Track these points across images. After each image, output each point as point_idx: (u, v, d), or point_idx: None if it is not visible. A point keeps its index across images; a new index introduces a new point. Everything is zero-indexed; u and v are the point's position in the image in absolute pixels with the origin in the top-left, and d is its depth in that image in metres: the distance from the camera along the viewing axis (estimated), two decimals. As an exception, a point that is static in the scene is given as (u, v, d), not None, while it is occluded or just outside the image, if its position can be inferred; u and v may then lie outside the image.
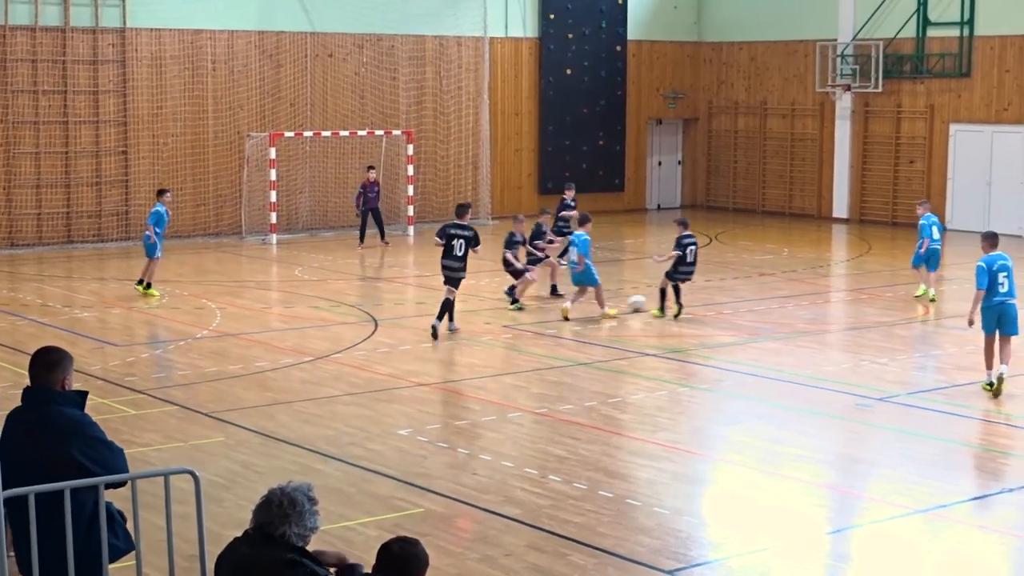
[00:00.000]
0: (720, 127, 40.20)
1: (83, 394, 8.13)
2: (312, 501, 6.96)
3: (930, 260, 23.34)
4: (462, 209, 20.84)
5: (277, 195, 31.65)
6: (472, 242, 20.17)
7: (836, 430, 15.43)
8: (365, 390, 16.67)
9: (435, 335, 19.77)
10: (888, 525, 11.84)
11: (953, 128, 34.68)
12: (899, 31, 35.10)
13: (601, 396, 16.39)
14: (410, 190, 33.50)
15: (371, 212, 30.97)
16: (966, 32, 34.09)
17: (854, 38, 35.95)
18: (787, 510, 12.31)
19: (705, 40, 40.17)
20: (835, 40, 36.38)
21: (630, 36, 38.66)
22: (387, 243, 31.10)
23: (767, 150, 38.93)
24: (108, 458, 7.90)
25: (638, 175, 39.62)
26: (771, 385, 17.23)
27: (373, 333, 20.39)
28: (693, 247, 21.94)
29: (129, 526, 8.19)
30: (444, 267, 20.35)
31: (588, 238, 21.85)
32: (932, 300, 23.15)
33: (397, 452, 13.84)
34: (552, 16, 37.14)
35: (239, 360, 18.45)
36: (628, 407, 16.06)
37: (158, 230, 23.59)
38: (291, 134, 32.42)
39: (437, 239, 20.49)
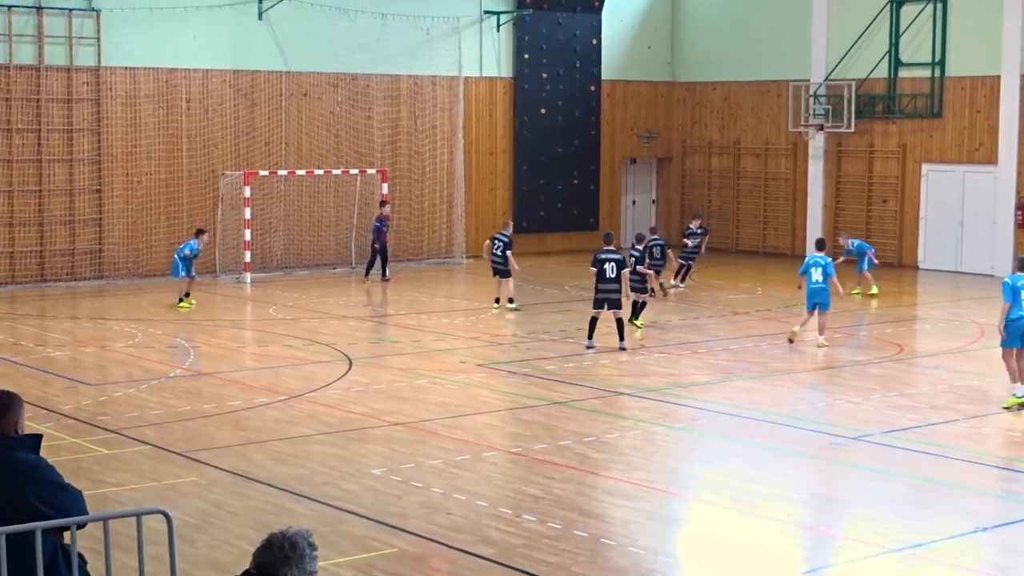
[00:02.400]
0: (694, 166, 40.36)
1: (37, 437, 7.95)
2: (312, 546, 7.01)
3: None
4: (609, 236, 23.29)
5: (251, 234, 31.62)
6: (621, 264, 22.23)
7: (811, 469, 15.43)
8: (339, 429, 16.61)
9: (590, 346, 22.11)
10: (863, 564, 11.83)
11: (925, 168, 34.89)
12: (871, 71, 35.34)
13: (575, 435, 16.37)
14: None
15: (380, 247, 31.33)
16: (937, 73, 34.34)
17: (826, 78, 36.19)
18: (762, 549, 12.29)
19: (679, 80, 40.37)
20: (808, 80, 36.61)
21: (604, 76, 38.84)
22: (388, 279, 31.22)
23: (740, 189, 39.10)
24: (66, 502, 7.76)
25: (612, 214, 39.71)
26: (745, 424, 17.23)
27: (347, 372, 20.34)
28: (658, 247, 25.29)
29: (100, 567, 8.10)
30: (601, 291, 22.20)
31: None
32: (866, 294, 28.72)
33: (371, 492, 13.78)
34: (527, 56, 37.29)
35: (213, 399, 18.37)
36: (603, 446, 16.04)
37: (186, 253, 26.99)
38: (266, 173, 32.42)
39: (592, 268, 22.47)
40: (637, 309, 24.59)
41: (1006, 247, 32.86)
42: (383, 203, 32.27)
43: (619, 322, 22.24)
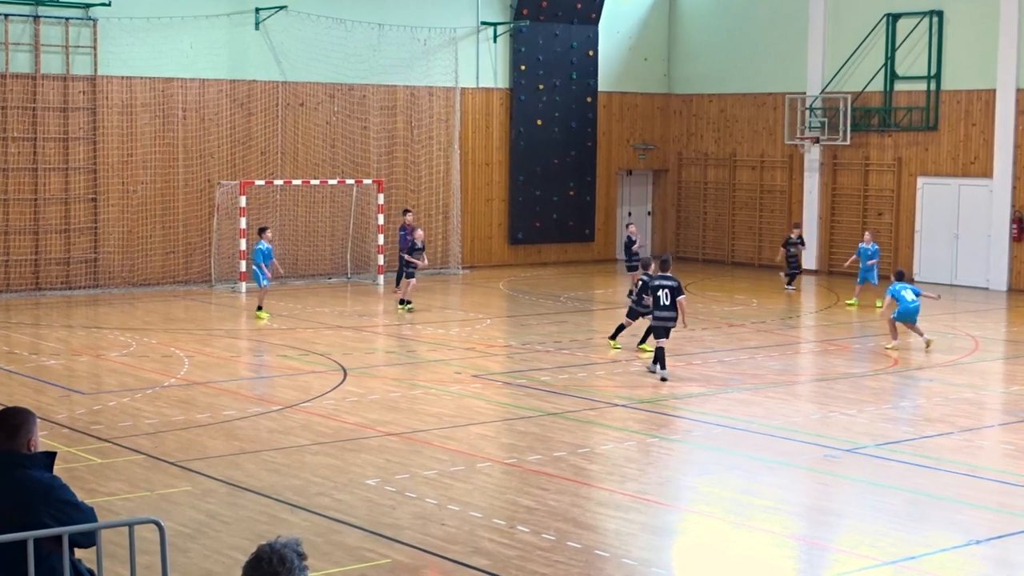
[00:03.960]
0: (690, 178, 40.39)
1: (51, 455, 7.90)
2: (301, 557, 6.95)
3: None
4: (665, 264, 21.70)
5: (247, 243, 31.61)
6: (676, 291, 20.93)
7: (805, 481, 15.42)
8: (333, 440, 16.59)
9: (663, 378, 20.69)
10: (857, 577, 11.83)
11: (921, 181, 34.94)
12: (867, 85, 35.39)
13: (570, 446, 16.35)
14: (380, 239, 33.49)
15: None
16: (933, 86, 34.39)
17: (823, 91, 36.24)
18: (756, 561, 12.28)
19: (675, 92, 40.41)
20: (804, 93, 36.66)
21: (600, 87, 38.87)
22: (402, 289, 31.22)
23: (736, 201, 39.13)
24: (79, 521, 7.75)
25: (608, 226, 39.73)
26: (740, 436, 17.22)
27: (342, 382, 20.32)
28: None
29: (93, 576, 8.09)
30: (655, 318, 21.14)
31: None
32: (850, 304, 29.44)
33: (365, 502, 13.76)
34: (523, 67, 37.32)
35: (207, 409, 18.35)
36: (597, 457, 16.03)
37: (262, 263, 27.28)
38: (262, 182, 32.42)
39: (644, 296, 21.91)
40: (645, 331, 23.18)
41: (1001, 260, 32.90)
42: (406, 211, 31.69)
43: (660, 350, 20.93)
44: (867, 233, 31.36)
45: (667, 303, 20.87)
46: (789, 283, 32.87)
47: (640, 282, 23.04)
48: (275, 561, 6.85)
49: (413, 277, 28.34)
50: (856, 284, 30.30)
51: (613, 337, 23.73)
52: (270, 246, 27.80)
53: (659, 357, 20.88)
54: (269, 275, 27.63)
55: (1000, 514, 13.89)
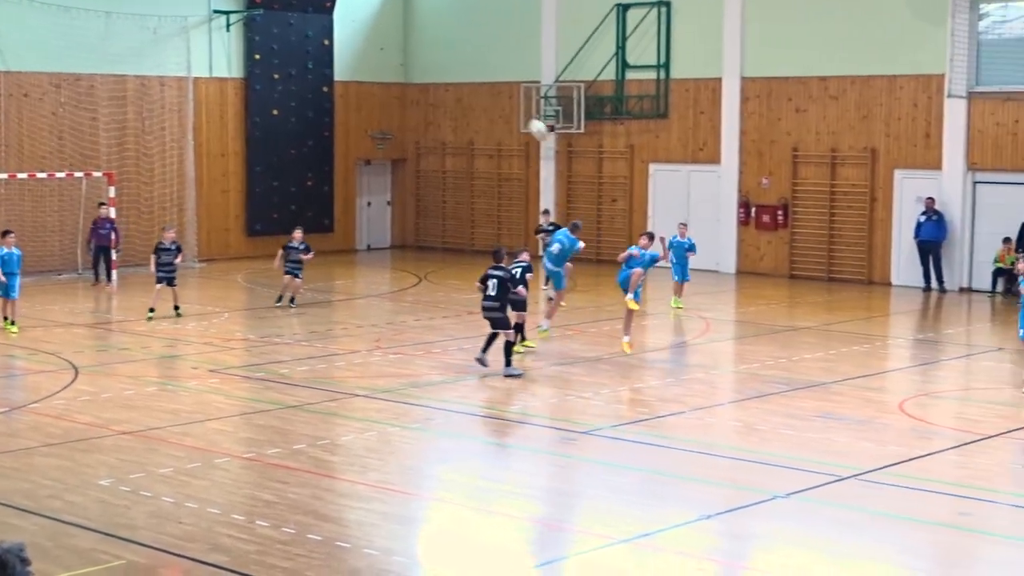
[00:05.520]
0: (428, 167, 40.53)
1: None
2: (24, 562, 6.67)
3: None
4: (497, 255, 21.08)
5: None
6: (509, 281, 20.53)
7: (544, 464, 15.64)
8: (64, 440, 16.08)
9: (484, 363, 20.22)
10: (595, 555, 12.04)
11: (652, 168, 35.82)
12: (599, 74, 36.07)
13: (310, 439, 16.21)
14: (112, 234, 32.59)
15: (101, 251, 30.79)
16: (662, 75, 35.28)
17: (556, 80, 36.79)
18: (498, 546, 12.39)
19: (412, 81, 40.47)
20: (538, 82, 37.15)
21: (337, 77, 38.65)
22: (111, 284, 30.60)
23: (475, 190, 39.43)
24: None
25: (347, 216, 39.55)
26: (479, 422, 17.38)
27: (73, 381, 19.71)
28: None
29: None
30: (482, 308, 20.66)
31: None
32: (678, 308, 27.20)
33: (98, 503, 13.37)
34: (258, 56, 36.82)
35: (-72, 413, 17.58)
36: (338, 449, 15.94)
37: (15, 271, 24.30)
38: (-15, 176, 31.20)
39: (478, 284, 20.92)
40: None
41: (730, 244, 33.97)
42: (101, 204, 31.52)
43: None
44: (681, 225, 28.78)
45: (493, 293, 20.37)
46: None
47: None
48: (-5, 566, 6.59)
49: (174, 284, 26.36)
50: (674, 281, 27.98)
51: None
52: (19, 251, 25.10)
53: (489, 343, 20.41)
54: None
55: (731, 489, 14.35)
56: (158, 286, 25.87)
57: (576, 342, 23.70)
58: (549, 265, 23.34)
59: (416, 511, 13.83)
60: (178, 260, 26.43)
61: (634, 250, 22.03)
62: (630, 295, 21.49)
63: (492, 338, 20.54)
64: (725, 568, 12.09)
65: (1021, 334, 19.98)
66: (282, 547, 11.94)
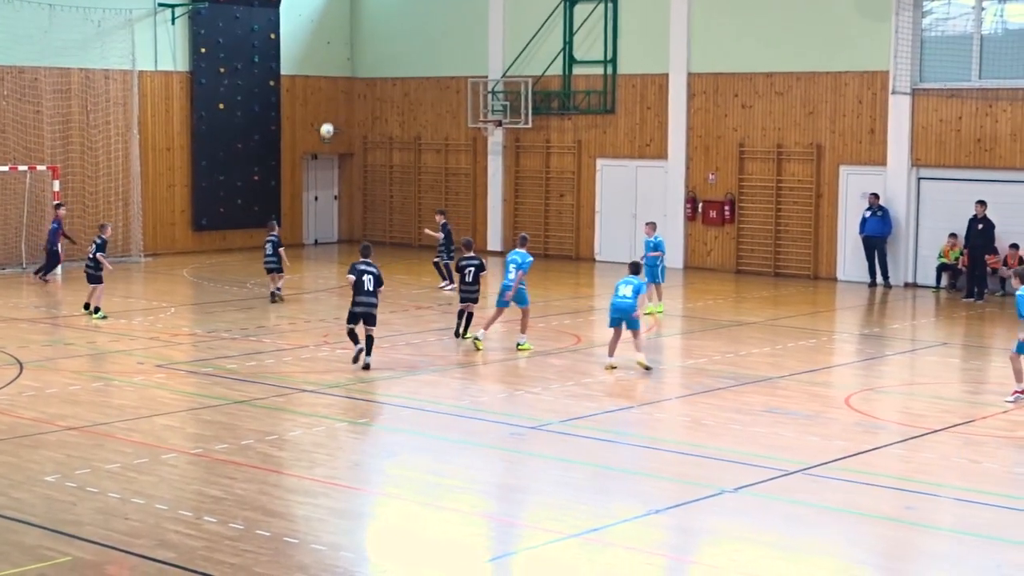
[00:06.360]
0: (375, 162, 40.43)
1: None
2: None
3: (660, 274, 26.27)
4: (366, 250, 21.19)
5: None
6: (379, 280, 20.62)
7: (493, 460, 15.64)
8: (8, 436, 15.93)
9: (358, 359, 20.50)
10: (545, 550, 12.06)
11: (600, 163, 35.88)
12: (547, 69, 36.10)
13: (258, 434, 16.15)
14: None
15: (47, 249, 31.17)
16: (610, 70, 35.34)
17: (504, 75, 36.78)
18: (447, 541, 12.38)
19: (359, 76, 40.35)
20: (486, 77, 37.13)
21: (283, 71, 38.46)
22: (46, 280, 30.49)
23: (422, 184, 39.37)
24: None
25: (295, 210, 39.39)
26: (429, 417, 17.36)
27: (18, 376, 19.53)
28: (471, 269, 22.72)
29: None
30: (356, 302, 20.46)
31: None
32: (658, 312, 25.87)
33: (44, 499, 13.27)
34: (203, 50, 36.59)
35: None
36: (285, 444, 15.88)
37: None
38: (-74, 170, 30.85)
39: (349, 276, 20.77)
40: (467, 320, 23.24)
41: (677, 238, 34.07)
42: (58, 205, 31.53)
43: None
44: (647, 224, 27.21)
45: (370, 288, 20.48)
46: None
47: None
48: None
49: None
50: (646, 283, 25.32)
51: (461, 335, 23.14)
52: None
53: (352, 336, 20.60)
54: None
55: (678, 483, 14.42)
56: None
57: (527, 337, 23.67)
58: (510, 283, 22.62)
59: (364, 506, 13.81)
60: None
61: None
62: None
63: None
64: (674, 562, 12.14)
65: (1017, 347, 18.31)
66: (230, 543, 11.89)
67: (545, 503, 13.64)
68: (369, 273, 20.51)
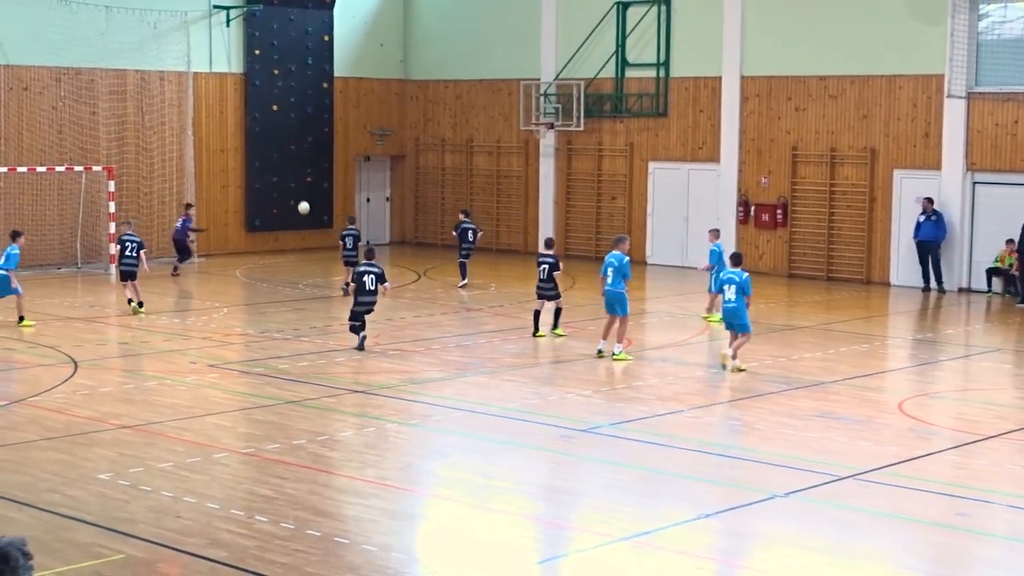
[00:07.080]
0: (427, 164, 40.53)
1: None
2: (27, 556, 6.70)
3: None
4: (370, 253, 22.82)
5: (-30, 233, 30.38)
6: (381, 278, 22.02)
7: (542, 462, 15.65)
8: (63, 434, 16.09)
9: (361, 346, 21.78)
10: (594, 553, 12.05)
11: (652, 166, 35.82)
12: (599, 71, 36.07)
13: (309, 434, 16.23)
14: (112, 227, 32.61)
15: (176, 243, 32.46)
16: (662, 73, 35.28)
17: (556, 78, 36.79)
18: (496, 543, 12.40)
19: (411, 78, 40.48)
20: (538, 80, 37.15)
21: (336, 73, 38.64)
22: (176, 274, 31.84)
23: (474, 187, 39.44)
24: None
25: (346, 212, 39.50)
26: (479, 419, 17.38)
27: (73, 375, 19.72)
28: (545, 266, 23.54)
29: None
30: (359, 302, 21.99)
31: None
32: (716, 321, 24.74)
33: (98, 497, 13.39)
34: (257, 52, 36.82)
35: (-73, 406, 17.57)
36: (336, 444, 15.95)
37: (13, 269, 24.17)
38: (-16, 170, 31.19)
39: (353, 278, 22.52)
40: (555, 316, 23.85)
41: (729, 242, 33.92)
42: (188, 205, 33.46)
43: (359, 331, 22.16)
44: (711, 232, 27.10)
45: (371, 288, 21.85)
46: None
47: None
48: (-1, 559, 6.63)
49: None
50: (709, 293, 26.08)
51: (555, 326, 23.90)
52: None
53: (355, 329, 21.96)
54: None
55: (728, 488, 14.36)
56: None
57: (576, 340, 23.69)
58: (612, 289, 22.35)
59: (414, 507, 13.84)
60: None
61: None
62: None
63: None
64: (723, 567, 12.11)
65: None
66: (281, 543, 11.96)
67: (594, 506, 13.63)
68: (370, 272, 21.91)
